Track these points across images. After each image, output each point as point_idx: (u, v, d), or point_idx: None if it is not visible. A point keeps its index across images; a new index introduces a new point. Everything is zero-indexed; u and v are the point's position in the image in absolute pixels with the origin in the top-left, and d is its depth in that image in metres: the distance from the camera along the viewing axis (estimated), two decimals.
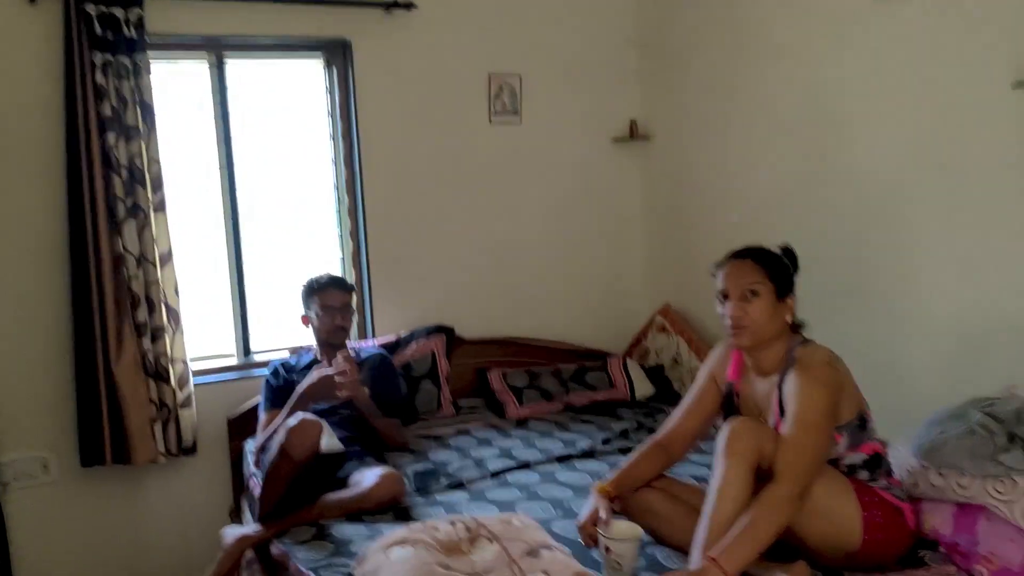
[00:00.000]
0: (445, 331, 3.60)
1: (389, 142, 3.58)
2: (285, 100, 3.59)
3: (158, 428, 3.15)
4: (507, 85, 3.76)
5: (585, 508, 2.08)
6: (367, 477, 2.59)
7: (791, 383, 1.97)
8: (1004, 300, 2.45)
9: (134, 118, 3.05)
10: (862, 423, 2.02)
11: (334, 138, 3.60)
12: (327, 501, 2.54)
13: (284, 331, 3.56)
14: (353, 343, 3.39)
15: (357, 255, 3.64)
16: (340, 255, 3.68)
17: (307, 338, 3.28)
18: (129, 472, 3.20)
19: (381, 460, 2.94)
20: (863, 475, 2.03)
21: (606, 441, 3.06)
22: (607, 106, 3.96)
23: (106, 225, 3.03)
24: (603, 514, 2.00)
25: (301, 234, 3.68)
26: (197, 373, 3.41)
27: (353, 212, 3.61)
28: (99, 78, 2.98)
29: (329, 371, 2.91)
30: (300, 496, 2.59)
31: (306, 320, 3.21)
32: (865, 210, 2.88)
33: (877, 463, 2.04)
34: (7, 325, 3.05)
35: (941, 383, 2.62)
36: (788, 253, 2.15)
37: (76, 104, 2.96)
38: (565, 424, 3.34)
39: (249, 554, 2.54)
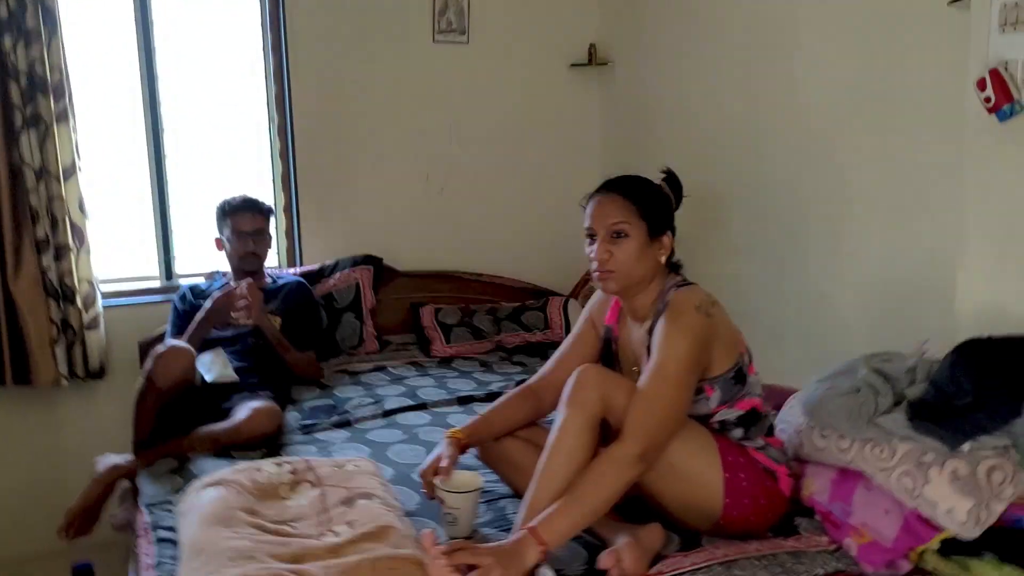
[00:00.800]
0: (373, 262, 3.42)
1: (322, 58, 3.37)
2: (213, 7, 3.37)
3: (60, 349, 3.03)
4: (454, 2, 3.50)
5: (431, 455, 1.89)
6: (242, 411, 2.45)
7: (657, 330, 1.76)
8: (935, 248, 2.21)
9: (34, 21, 2.86)
10: (739, 376, 1.81)
11: (264, 49, 3.38)
12: (199, 433, 2.40)
13: (212, 255, 3.40)
14: (272, 270, 3.22)
15: (287, 177, 3.45)
16: (271, 176, 3.49)
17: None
18: (35, 393, 3.10)
19: (280, 393, 2.79)
20: (736, 433, 1.82)
21: (520, 383, 2.87)
22: (564, 29, 3.69)
23: (2, 135, 2.87)
24: (444, 462, 1.82)
25: (232, 153, 3.49)
26: (114, 295, 3.29)
27: (283, 131, 3.41)
28: None
29: (227, 293, 2.76)
30: (184, 426, 2.46)
31: (219, 244, 3.05)
32: (804, 147, 2.65)
33: (753, 420, 1.83)
34: None
35: (868, 335, 2.40)
36: (671, 180, 1.92)
37: None
38: (490, 365, 3.17)
39: (125, 484, 2.42)
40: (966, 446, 1.60)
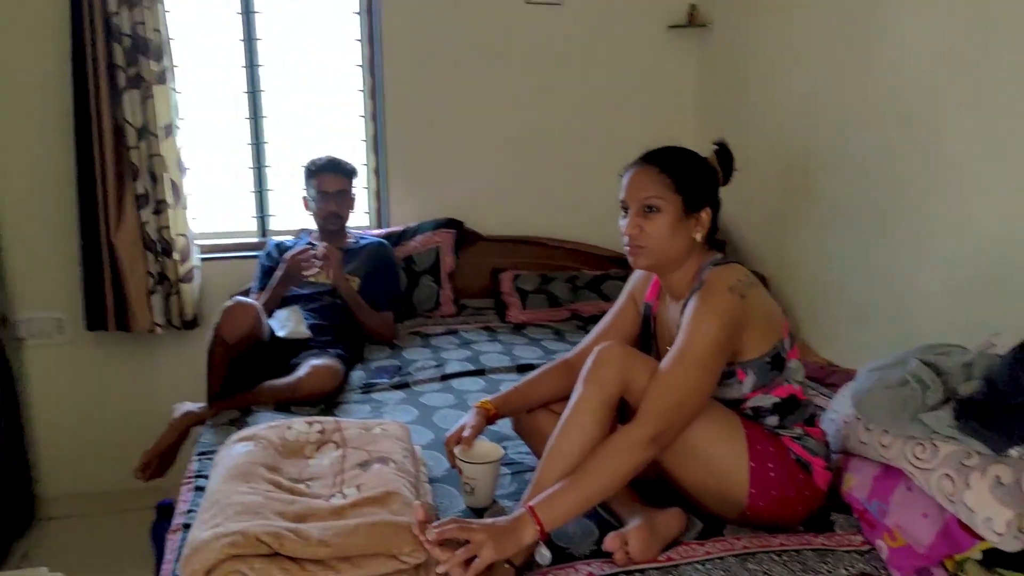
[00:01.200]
0: (454, 226, 3.43)
1: (413, 21, 3.38)
2: None
3: (156, 300, 3.20)
4: None
5: (458, 424, 1.90)
6: (303, 368, 2.52)
7: (687, 310, 1.69)
8: None
9: None
10: (776, 361, 1.71)
11: (359, 12, 3.42)
12: (263, 387, 2.49)
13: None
14: (356, 230, 3.29)
15: (376, 139, 3.50)
16: (363, 138, 3.55)
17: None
18: (135, 339, 3.30)
19: (351, 352, 2.87)
20: (771, 421, 1.73)
21: None
22: None
23: (107, 94, 3.03)
24: (467, 432, 1.82)
25: (327, 114, 3.56)
26: (210, 249, 3.43)
27: (373, 93, 3.45)
28: None
29: (299, 254, 2.84)
30: (254, 379, 2.56)
31: (306, 203, 3.14)
32: (899, 118, 2.46)
33: (791, 408, 1.74)
34: (22, 187, 3.15)
35: (954, 321, 2.24)
36: (722, 153, 1.82)
37: None
38: (563, 333, 3.14)
39: (199, 431, 2.55)
40: (1014, 451, 1.47)
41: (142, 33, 3.02)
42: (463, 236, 3.45)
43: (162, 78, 3.07)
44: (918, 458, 1.58)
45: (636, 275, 1.99)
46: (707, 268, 1.73)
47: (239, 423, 2.31)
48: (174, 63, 3.14)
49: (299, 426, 1.84)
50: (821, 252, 2.83)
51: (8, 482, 3.09)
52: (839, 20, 2.71)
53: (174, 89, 3.13)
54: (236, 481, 1.60)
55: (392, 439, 1.81)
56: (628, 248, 1.77)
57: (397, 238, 3.37)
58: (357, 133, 3.54)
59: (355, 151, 3.52)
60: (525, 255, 3.55)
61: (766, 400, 1.72)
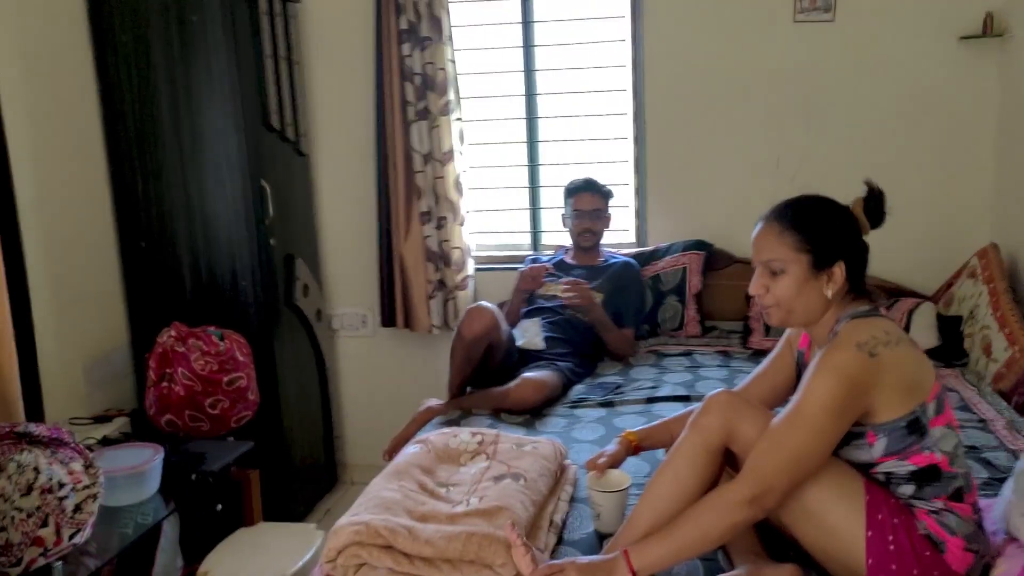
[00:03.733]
0: (703, 247, 3.45)
1: (677, 44, 3.46)
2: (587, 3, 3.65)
3: (435, 304, 3.65)
4: None
5: (604, 450, 2.00)
6: (517, 379, 2.76)
7: (811, 365, 1.64)
8: None
9: (428, 30, 3.44)
10: (914, 426, 1.59)
11: (629, 41, 3.57)
12: (484, 393, 2.78)
13: None
14: (609, 249, 3.47)
15: (639, 160, 3.63)
16: (631, 159, 3.70)
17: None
18: (418, 336, 3.79)
19: (584, 366, 3.06)
20: (905, 490, 1.62)
21: None
22: None
23: (400, 126, 3.52)
24: (602, 459, 1.92)
25: (598, 137, 3.77)
26: (487, 260, 3.82)
27: (637, 117, 3.59)
28: None
29: (531, 266, 3.11)
30: (489, 381, 2.87)
31: (564, 220, 3.39)
32: None
33: (931, 478, 1.60)
34: (341, 205, 3.79)
35: None
36: (870, 199, 1.72)
37: (381, 17, 3.45)
38: None
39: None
40: None
41: (430, 72, 3.46)
42: (713, 257, 3.46)
43: (445, 110, 3.49)
44: None
45: None
46: (844, 320, 1.66)
47: (455, 423, 2.60)
48: (460, 95, 3.54)
49: (464, 435, 2.08)
50: None
51: (318, 449, 3.74)
52: None
53: (458, 119, 3.54)
54: (391, 478, 1.88)
55: (537, 457, 1.97)
56: (759, 306, 1.76)
57: (648, 258, 3.48)
58: (623, 155, 3.69)
59: (620, 172, 3.68)
60: None
61: (901, 467, 1.62)
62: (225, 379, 2.87)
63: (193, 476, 2.52)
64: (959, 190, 3.40)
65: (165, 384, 2.85)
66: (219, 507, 2.66)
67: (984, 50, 3.24)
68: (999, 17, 3.15)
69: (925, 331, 3.04)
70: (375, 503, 1.76)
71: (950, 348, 2.99)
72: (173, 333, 2.91)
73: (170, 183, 3.11)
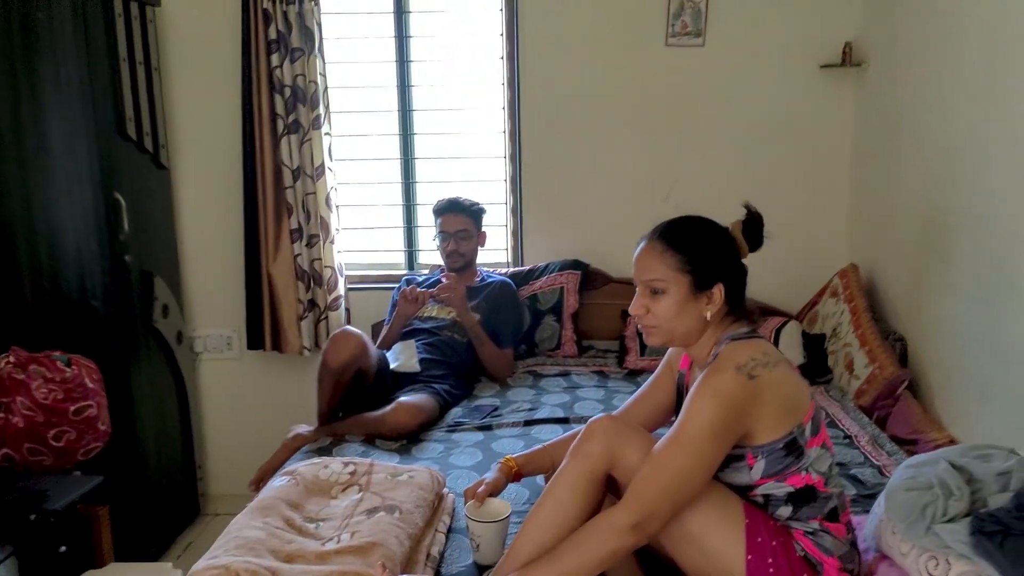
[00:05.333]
0: (581, 267, 3.45)
1: (551, 64, 3.46)
2: (462, 20, 3.60)
3: (306, 325, 3.49)
4: (690, 2, 3.38)
5: (483, 478, 1.93)
6: (392, 404, 2.66)
7: (692, 388, 1.63)
8: None
9: (298, 40, 3.30)
10: (791, 447, 1.60)
11: (503, 59, 3.55)
12: (356, 419, 2.66)
13: None
14: (484, 269, 3.41)
15: (515, 179, 3.60)
16: (504, 178, 3.67)
17: None
18: (288, 359, 3.62)
19: (461, 388, 2.99)
20: (783, 511, 1.62)
21: None
22: (818, 26, 3.36)
23: (269, 140, 3.37)
24: (481, 488, 1.85)
25: (474, 155, 3.71)
26: (360, 280, 3.69)
27: (513, 135, 3.56)
28: (266, 3, 3.26)
29: (406, 293, 3.02)
30: (360, 407, 2.75)
31: (436, 241, 3.31)
32: None
33: (807, 499, 1.61)
34: (205, 221, 3.59)
35: None
36: (750, 222, 1.73)
37: (249, 26, 3.29)
38: None
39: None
40: None
41: (301, 84, 3.32)
42: (589, 277, 3.46)
43: (317, 124, 3.36)
44: (930, 574, 1.42)
45: None
46: (724, 342, 1.66)
47: (326, 451, 2.48)
48: (329, 109, 3.42)
49: (335, 466, 1.97)
50: (950, 317, 2.57)
51: (179, 479, 3.51)
52: (984, 69, 2.43)
53: (328, 133, 3.41)
54: (255, 514, 1.75)
55: (413, 487, 1.88)
56: (639, 326, 1.73)
57: (524, 277, 3.45)
58: (500, 174, 3.66)
59: (497, 191, 3.64)
60: None
61: (779, 489, 1.62)
62: (72, 408, 2.64)
63: (32, 516, 2.30)
64: (820, 212, 3.53)
65: (1, 416, 2.60)
66: (63, 549, 2.43)
67: (843, 79, 3.38)
68: (857, 47, 3.30)
69: (792, 349, 3.13)
70: (236, 543, 1.62)
71: (814, 365, 3.09)
72: (11, 359, 2.65)
73: (9, 193, 2.85)
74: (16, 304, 2.91)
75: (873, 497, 1.93)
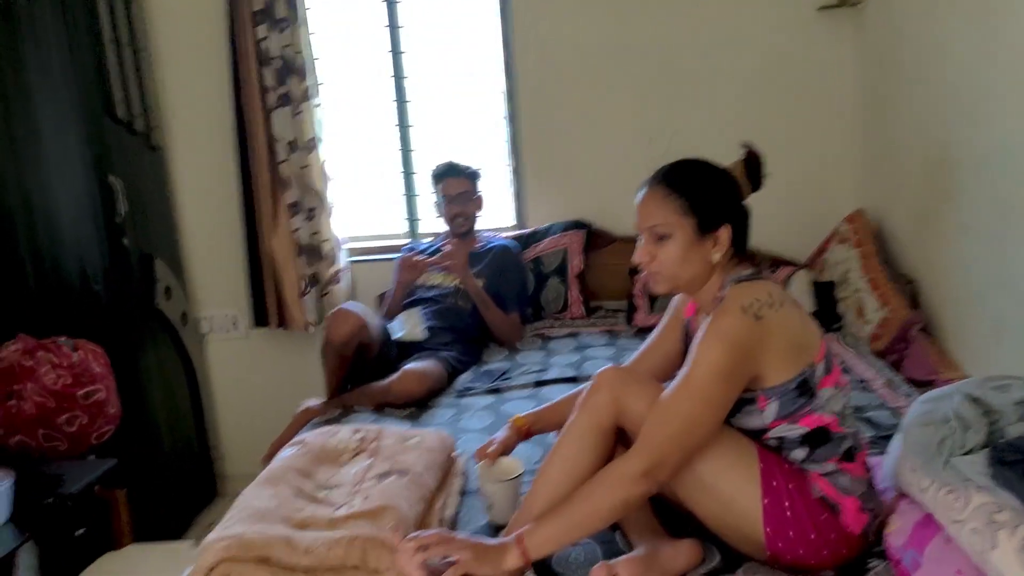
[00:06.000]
0: (583, 227, 3.41)
1: (541, 20, 3.39)
2: None
3: (309, 300, 3.47)
4: None
5: (494, 438, 1.91)
6: (398, 372, 2.64)
7: (698, 332, 1.60)
8: None
9: (284, 10, 3.25)
10: (803, 388, 1.57)
11: (500, 14, 3.48)
12: (364, 389, 2.65)
13: None
14: (486, 232, 3.37)
15: (514, 140, 3.55)
16: (505, 139, 3.61)
17: None
18: (294, 335, 3.59)
19: (469, 354, 2.96)
20: (797, 454, 1.60)
21: None
22: None
23: (261, 113, 3.32)
24: (492, 447, 1.83)
25: (473, 118, 3.66)
26: (361, 251, 3.66)
27: (511, 95, 3.51)
28: None
29: (407, 254, 3.00)
30: (366, 378, 2.73)
31: (437, 208, 3.27)
32: None
33: (821, 440, 1.59)
34: (198, 200, 3.55)
35: None
36: (750, 161, 1.69)
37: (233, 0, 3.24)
38: None
39: None
40: None
41: (288, 56, 3.27)
42: (593, 236, 3.42)
43: (307, 95, 3.31)
44: (951, 507, 1.40)
45: None
46: (728, 285, 1.62)
47: (338, 421, 2.46)
48: (319, 80, 3.37)
49: (343, 433, 1.95)
50: (960, 256, 2.53)
51: (193, 461, 3.51)
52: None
53: (318, 105, 3.36)
54: (265, 484, 1.74)
55: (423, 450, 1.86)
56: (644, 274, 1.70)
57: (527, 240, 3.41)
58: (500, 136, 3.60)
59: (497, 154, 3.59)
60: None
61: (792, 431, 1.59)
62: (81, 392, 2.64)
63: (50, 500, 2.30)
64: (824, 157, 3.47)
65: (13, 402, 2.60)
66: (80, 531, 2.43)
67: (841, 19, 3.31)
68: None
69: (801, 297, 3.08)
70: (247, 513, 1.61)
71: (825, 313, 3.05)
72: (18, 346, 2.66)
73: (5, 182, 2.82)
74: (19, 291, 2.88)
75: (889, 439, 1.90)
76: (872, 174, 3.29)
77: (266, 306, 3.49)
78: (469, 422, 2.37)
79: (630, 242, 3.40)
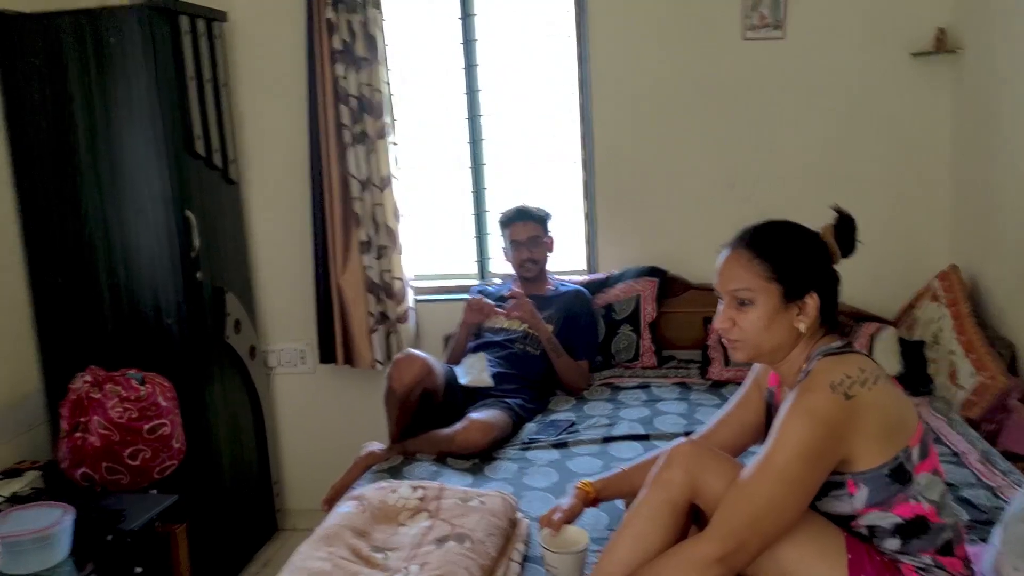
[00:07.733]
0: (657, 274, 3.31)
1: (621, 64, 3.33)
2: (532, 21, 3.49)
3: (377, 338, 3.44)
4: None
5: (559, 504, 1.82)
6: (463, 420, 2.57)
7: (782, 408, 1.49)
8: None
9: (363, 50, 3.26)
10: (898, 474, 1.45)
11: (576, 57, 3.43)
12: (428, 436, 2.58)
13: None
14: (556, 277, 3.30)
15: (588, 184, 3.49)
16: (580, 184, 3.54)
17: None
18: (361, 373, 3.57)
19: (536, 402, 2.89)
20: (890, 544, 1.47)
21: None
22: (906, 12, 3.16)
23: (336, 151, 3.33)
24: (557, 515, 1.74)
25: (547, 162, 3.61)
26: (431, 291, 3.63)
27: (585, 138, 3.45)
28: (329, 13, 3.22)
29: (475, 297, 2.96)
30: (437, 424, 2.68)
31: (505, 253, 3.22)
32: None
33: (918, 530, 1.46)
34: (274, 234, 3.57)
35: None
36: (842, 225, 1.58)
37: (313, 37, 3.26)
38: None
39: None
40: None
41: (367, 94, 3.28)
42: (667, 284, 3.31)
43: (383, 133, 3.31)
44: None
45: None
46: (815, 358, 1.51)
47: (395, 471, 2.40)
48: (394, 118, 3.37)
49: (404, 490, 1.89)
50: None
51: (255, 495, 3.50)
52: None
53: (394, 143, 3.36)
54: (319, 544, 1.68)
55: (485, 513, 1.79)
56: (724, 341, 1.60)
57: (599, 286, 3.33)
58: (574, 180, 3.54)
59: (570, 198, 3.52)
60: None
61: (885, 519, 1.47)
62: (146, 427, 2.65)
63: (110, 536, 2.30)
64: (916, 210, 3.31)
65: (79, 434, 2.62)
66: (139, 570, 2.42)
67: (937, 67, 3.16)
68: (951, 32, 3.08)
69: (888, 357, 2.91)
70: (301, 575, 1.55)
71: (914, 375, 2.87)
72: (88, 378, 2.68)
73: (88, 214, 2.88)
74: (95, 322, 2.93)
75: (988, 524, 1.75)
76: (967, 229, 3.12)
77: (334, 342, 3.48)
78: (533, 479, 2.28)
79: (706, 290, 3.33)
